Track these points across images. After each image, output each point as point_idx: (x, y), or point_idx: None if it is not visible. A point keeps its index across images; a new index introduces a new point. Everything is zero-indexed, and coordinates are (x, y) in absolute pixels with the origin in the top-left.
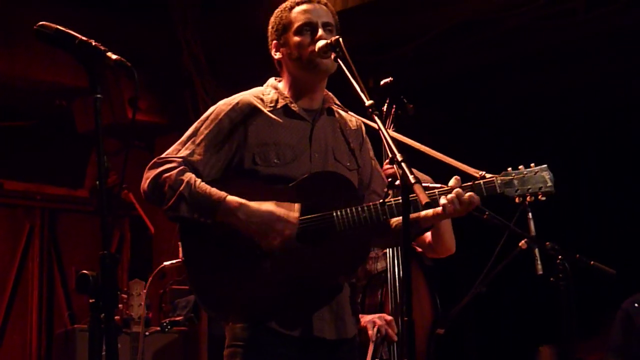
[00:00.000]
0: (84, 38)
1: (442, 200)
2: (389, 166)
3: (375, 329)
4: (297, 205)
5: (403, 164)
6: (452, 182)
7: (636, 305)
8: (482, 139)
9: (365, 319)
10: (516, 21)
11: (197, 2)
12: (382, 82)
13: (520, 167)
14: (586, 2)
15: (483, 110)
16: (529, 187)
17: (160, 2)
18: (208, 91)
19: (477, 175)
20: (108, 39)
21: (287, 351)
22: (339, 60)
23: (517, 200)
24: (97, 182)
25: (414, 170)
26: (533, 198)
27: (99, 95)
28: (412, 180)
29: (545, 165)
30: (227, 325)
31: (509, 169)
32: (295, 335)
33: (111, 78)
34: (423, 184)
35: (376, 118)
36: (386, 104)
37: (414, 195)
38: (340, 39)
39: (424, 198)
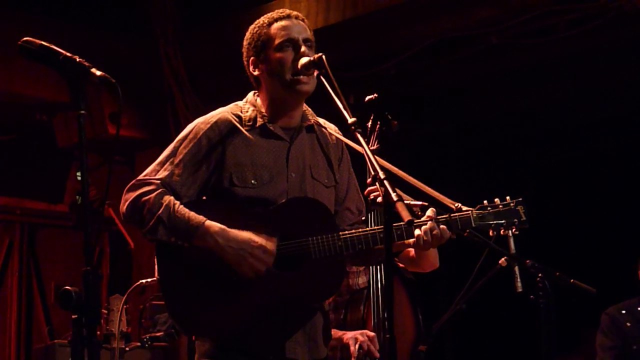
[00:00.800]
0: (68, 54)
1: (416, 232)
2: (372, 187)
3: (357, 345)
4: (274, 239)
5: (385, 182)
6: (428, 213)
7: (623, 312)
8: (462, 155)
9: (347, 335)
10: (497, 38)
11: (178, 18)
12: (366, 98)
13: (496, 200)
14: (567, 20)
15: (464, 126)
16: (504, 221)
17: (142, 18)
18: (189, 106)
19: (453, 207)
20: (89, 53)
21: None
22: (322, 77)
23: (490, 233)
24: (78, 197)
25: (396, 188)
26: (507, 232)
27: (82, 112)
28: (395, 198)
29: (521, 199)
30: (198, 340)
31: (485, 202)
32: (266, 357)
33: (92, 93)
34: (405, 202)
35: (359, 136)
36: (370, 120)
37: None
38: (324, 56)
39: (406, 216)
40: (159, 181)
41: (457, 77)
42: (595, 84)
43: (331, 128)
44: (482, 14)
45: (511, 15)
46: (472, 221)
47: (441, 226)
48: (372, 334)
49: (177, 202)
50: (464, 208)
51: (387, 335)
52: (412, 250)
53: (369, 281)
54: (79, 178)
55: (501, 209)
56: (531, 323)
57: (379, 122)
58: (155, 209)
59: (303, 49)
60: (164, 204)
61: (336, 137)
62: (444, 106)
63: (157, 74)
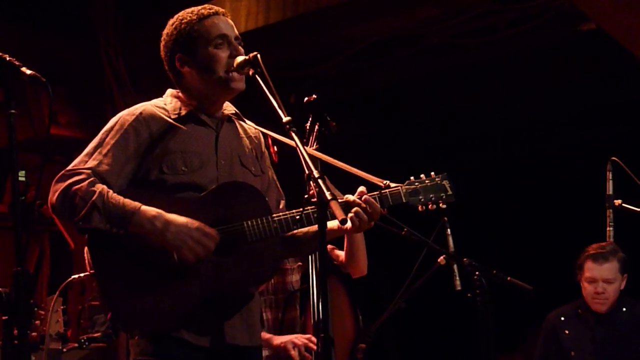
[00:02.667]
0: None
1: (350, 214)
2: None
3: (297, 350)
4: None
5: (319, 181)
6: (359, 190)
7: (562, 319)
8: (401, 155)
9: (282, 339)
10: (437, 38)
11: (118, 17)
12: (305, 99)
13: (422, 176)
14: (507, 20)
15: (403, 126)
16: (432, 195)
17: (82, 17)
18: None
19: (382, 185)
20: (30, 52)
21: None
22: (256, 76)
23: (420, 208)
24: (23, 198)
25: (330, 185)
26: (435, 207)
27: (13, 111)
28: (329, 197)
29: (446, 174)
30: (132, 339)
31: (412, 178)
32: (206, 345)
33: (31, 93)
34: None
35: (293, 134)
36: (309, 121)
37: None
38: (258, 55)
39: (340, 215)
40: (89, 170)
41: (398, 76)
42: (534, 83)
43: (251, 123)
44: (422, 14)
45: (451, 15)
46: (402, 196)
47: (371, 200)
48: (306, 336)
49: (110, 190)
50: (392, 185)
51: (322, 335)
52: (341, 255)
53: (308, 280)
54: (22, 178)
55: (428, 184)
56: (471, 320)
57: (317, 123)
58: (89, 196)
59: (237, 47)
60: (97, 191)
61: (255, 130)
62: (385, 106)
63: (97, 73)
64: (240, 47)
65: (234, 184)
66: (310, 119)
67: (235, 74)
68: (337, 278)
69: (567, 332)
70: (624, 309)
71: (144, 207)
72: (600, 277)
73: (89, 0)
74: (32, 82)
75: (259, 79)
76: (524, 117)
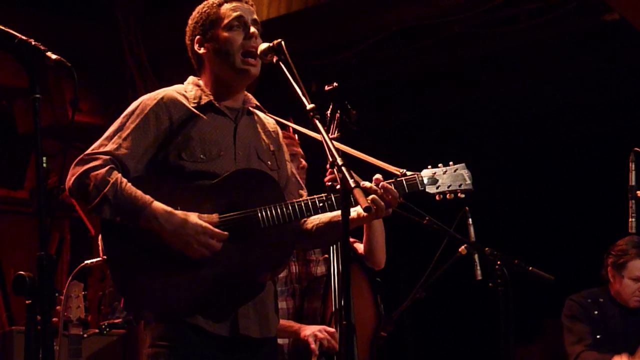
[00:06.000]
0: (23, 37)
1: (370, 197)
2: (331, 175)
3: (318, 343)
4: (215, 216)
5: (343, 168)
6: (375, 177)
7: (589, 300)
8: (421, 144)
9: (305, 332)
10: (459, 27)
11: (140, 4)
12: (326, 88)
13: (440, 165)
14: (528, 9)
15: (423, 115)
16: (449, 184)
17: (104, 3)
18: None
19: (399, 173)
20: (50, 39)
21: (212, 351)
22: (280, 63)
23: (437, 197)
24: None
25: (353, 174)
26: (453, 196)
27: (38, 95)
28: (352, 185)
29: (464, 164)
30: (149, 324)
31: (429, 166)
32: (221, 334)
33: (52, 78)
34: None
35: (317, 122)
36: (330, 109)
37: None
38: (282, 43)
39: (363, 202)
40: (107, 156)
41: (419, 65)
42: (556, 73)
43: (271, 116)
44: (444, 3)
45: (473, 5)
46: (419, 184)
47: (388, 187)
48: (331, 329)
49: (125, 180)
50: (409, 173)
51: (344, 322)
52: (360, 248)
53: (328, 269)
54: (43, 164)
55: (446, 173)
56: (490, 310)
57: (338, 111)
58: (102, 186)
59: (252, 29)
60: (111, 181)
61: (273, 124)
62: (406, 95)
63: (118, 59)
64: (256, 30)
65: (249, 171)
66: (331, 107)
67: (250, 59)
68: (359, 267)
69: (595, 312)
70: None
71: (155, 203)
72: None
73: None
74: (57, 67)
75: (282, 66)
76: (545, 107)
